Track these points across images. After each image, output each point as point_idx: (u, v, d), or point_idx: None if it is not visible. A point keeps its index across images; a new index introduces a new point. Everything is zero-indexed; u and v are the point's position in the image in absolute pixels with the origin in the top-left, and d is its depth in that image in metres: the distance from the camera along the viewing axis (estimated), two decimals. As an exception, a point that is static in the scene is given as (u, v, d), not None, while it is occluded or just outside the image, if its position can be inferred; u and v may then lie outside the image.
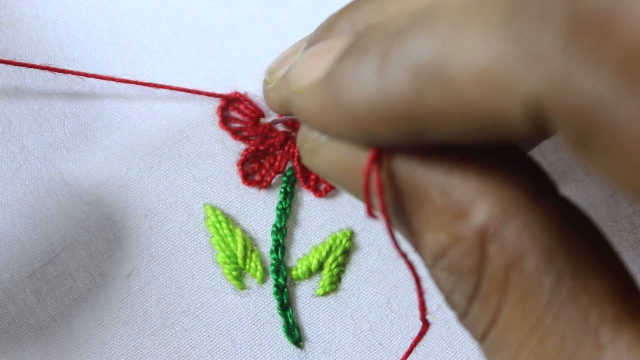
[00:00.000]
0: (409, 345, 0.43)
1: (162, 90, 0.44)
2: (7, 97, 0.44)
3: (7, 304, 0.42)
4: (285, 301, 0.43)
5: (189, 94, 0.44)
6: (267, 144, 0.44)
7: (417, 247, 0.25)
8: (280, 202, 0.44)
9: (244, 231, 0.44)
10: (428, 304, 0.43)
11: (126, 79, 0.43)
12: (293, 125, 0.44)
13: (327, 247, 0.43)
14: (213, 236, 0.43)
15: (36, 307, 0.42)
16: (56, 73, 0.43)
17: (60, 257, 0.43)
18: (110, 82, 0.44)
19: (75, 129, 0.44)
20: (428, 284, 0.28)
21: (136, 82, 0.44)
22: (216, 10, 0.45)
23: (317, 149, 0.26)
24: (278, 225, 0.43)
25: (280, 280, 0.43)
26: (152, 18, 0.45)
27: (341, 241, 0.44)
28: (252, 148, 0.44)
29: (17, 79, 0.44)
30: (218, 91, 0.44)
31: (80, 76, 0.43)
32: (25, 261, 0.43)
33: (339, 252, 0.43)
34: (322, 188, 0.44)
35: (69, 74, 0.43)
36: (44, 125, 0.44)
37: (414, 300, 0.44)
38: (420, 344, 0.43)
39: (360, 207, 0.44)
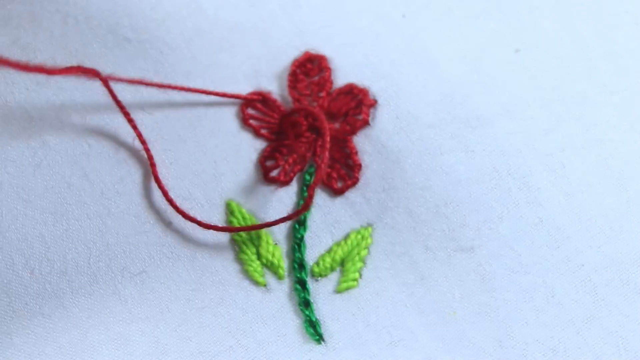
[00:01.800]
0: (429, 341, 0.43)
1: (185, 86, 0.44)
2: (27, 92, 0.44)
3: (27, 299, 0.42)
4: (307, 297, 0.43)
5: (214, 88, 0.44)
6: (289, 141, 0.44)
7: None
8: (302, 199, 0.43)
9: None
10: (449, 300, 0.43)
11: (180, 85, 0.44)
12: (313, 121, 0.44)
13: (349, 243, 0.43)
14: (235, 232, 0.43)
15: (54, 302, 0.42)
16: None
17: (81, 253, 0.43)
18: (132, 78, 0.44)
19: (97, 124, 0.44)
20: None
21: (179, 88, 0.43)
22: (237, 7, 0.45)
23: None
24: (299, 222, 0.43)
25: (303, 276, 0.43)
26: (174, 14, 0.45)
27: (363, 237, 0.43)
28: (274, 145, 0.44)
29: (38, 74, 0.44)
30: (240, 88, 0.44)
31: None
32: (47, 257, 0.43)
33: (361, 247, 0.43)
34: (342, 185, 0.44)
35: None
36: (65, 120, 0.44)
37: (435, 295, 0.43)
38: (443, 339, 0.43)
39: (380, 203, 0.44)
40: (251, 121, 0.44)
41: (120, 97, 0.44)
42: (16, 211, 0.43)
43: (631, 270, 0.44)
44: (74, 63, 0.44)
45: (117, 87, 0.44)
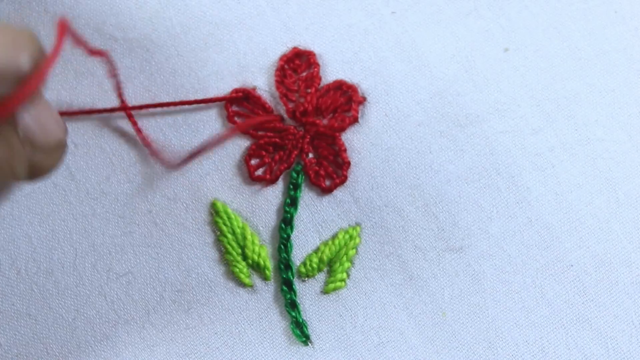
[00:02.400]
0: (418, 342, 0.43)
1: (171, 85, 0.44)
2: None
3: (14, 300, 0.42)
4: (293, 298, 0.42)
5: (197, 87, 0.43)
6: (275, 138, 0.44)
7: None
8: (288, 198, 0.43)
9: (251, 227, 0.43)
10: (438, 300, 0.43)
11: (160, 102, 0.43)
12: (302, 119, 0.44)
13: (336, 243, 0.43)
14: (220, 232, 0.43)
15: (41, 303, 0.42)
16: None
17: (67, 253, 0.43)
18: (119, 77, 0.44)
19: (82, 124, 0.44)
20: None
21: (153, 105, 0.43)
22: (224, 3, 0.45)
23: None
24: (286, 221, 0.43)
25: (289, 276, 0.43)
26: (160, 11, 0.45)
27: (351, 236, 0.43)
28: (261, 142, 0.43)
29: (25, 74, 0.44)
30: (226, 85, 0.44)
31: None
32: (33, 257, 0.43)
33: (349, 247, 0.43)
34: (330, 184, 0.43)
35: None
36: (52, 120, 0.44)
37: (425, 296, 0.43)
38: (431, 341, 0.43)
39: (368, 202, 0.43)
40: (235, 118, 0.44)
41: (106, 97, 0.43)
42: (3, 211, 0.43)
43: (620, 271, 0.43)
44: (61, 62, 0.44)
45: (104, 85, 0.43)
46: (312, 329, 0.43)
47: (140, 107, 0.43)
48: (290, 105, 0.44)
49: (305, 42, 0.45)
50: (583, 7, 0.46)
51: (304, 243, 0.43)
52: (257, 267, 0.43)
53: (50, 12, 0.45)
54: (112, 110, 0.43)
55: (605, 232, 0.44)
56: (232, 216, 0.43)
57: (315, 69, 0.44)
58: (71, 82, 0.44)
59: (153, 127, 0.44)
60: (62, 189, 0.43)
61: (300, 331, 0.42)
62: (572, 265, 0.43)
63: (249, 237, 0.43)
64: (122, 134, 0.44)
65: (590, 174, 0.44)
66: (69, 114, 0.43)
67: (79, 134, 0.44)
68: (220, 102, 0.44)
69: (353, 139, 0.44)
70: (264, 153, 0.44)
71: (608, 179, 0.44)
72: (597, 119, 0.45)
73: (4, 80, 0.28)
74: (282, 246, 0.43)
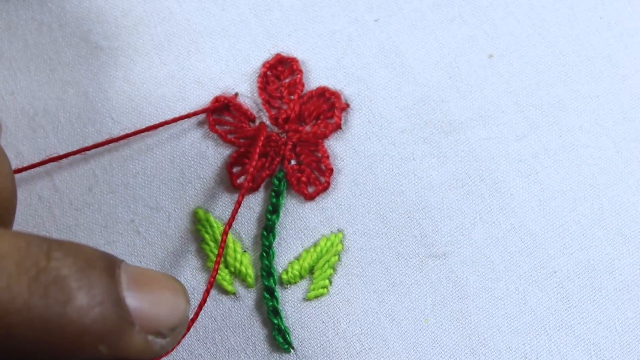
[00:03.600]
0: (401, 349, 0.43)
1: (154, 94, 0.44)
2: (2, 102, 0.45)
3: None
4: (276, 305, 0.43)
5: (179, 96, 0.44)
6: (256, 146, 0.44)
7: None
8: (270, 205, 0.43)
9: (233, 235, 0.44)
10: (421, 307, 0.43)
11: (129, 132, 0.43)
12: (284, 126, 0.44)
13: (318, 250, 0.43)
14: (202, 240, 0.43)
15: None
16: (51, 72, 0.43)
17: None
18: (104, 86, 0.44)
19: (69, 134, 0.44)
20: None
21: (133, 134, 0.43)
22: (208, 11, 0.45)
23: None
24: (268, 229, 0.43)
25: (271, 283, 0.43)
26: (145, 19, 0.45)
27: (332, 243, 0.43)
28: (242, 150, 0.44)
29: (12, 83, 0.44)
30: (208, 92, 0.44)
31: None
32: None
33: (330, 254, 0.43)
34: (312, 191, 0.44)
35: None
36: (38, 131, 0.44)
37: (407, 303, 0.43)
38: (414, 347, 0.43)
39: (351, 209, 0.44)
40: (217, 127, 0.44)
41: (91, 107, 0.44)
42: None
43: (604, 278, 0.43)
44: (48, 71, 0.45)
45: (89, 94, 0.44)
46: (295, 336, 0.43)
47: (126, 137, 0.43)
48: (273, 112, 0.44)
49: (288, 49, 0.45)
50: (568, 13, 0.46)
51: (286, 250, 0.44)
52: (239, 275, 0.43)
53: (37, 19, 0.45)
54: (98, 145, 0.43)
55: (589, 239, 0.44)
56: (214, 224, 0.43)
57: (298, 76, 0.44)
58: (57, 92, 0.44)
59: (136, 139, 0.44)
60: (47, 201, 0.44)
61: (283, 338, 0.43)
62: (555, 272, 0.43)
63: (231, 244, 0.43)
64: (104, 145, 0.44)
65: (575, 180, 0.44)
66: (59, 158, 0.43)
67: (64, 144, 0.44)
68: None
69: (336, 146, 0.44)
70: (245, 161, 0.44)
71: (592, 185, 0.44)
72: (581, 125, 0.44)
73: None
74: (264, 254, 0.43)
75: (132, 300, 0.27)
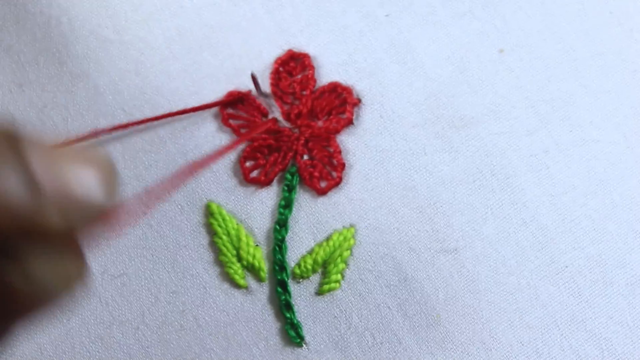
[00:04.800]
0: (413, 344, 0.43)
1: (166, 87, 0.44)
2: (10, 94, 0.44)
3: None
4: (288, 299, 0.43)
5: (192, 90, 0.43)
6: (270, 140, 0.44)
7: None
8: (283, 200, 0.43)
9: (245, 229, 0.43)
10: (433, 302, 0.43)
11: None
12: (297, 121, 0.44)
13: (330, 244, 0.43)
14: (215, 234, 0.43)
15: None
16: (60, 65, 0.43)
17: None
18: (115, 79, 0.44)
19: (79, 126, 0.44)
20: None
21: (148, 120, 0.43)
22: (219, 6, 0.45)
23: None
24: (281, 223, 0.43)
25: (284, 277, 0.43)
26: (156, 14, 0.45)
27: (345, 238, 0.43)
28: (255, 144, 0.43)
29: (20, 76, 0.44)
30: (221, 87, 0.44)
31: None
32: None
33: (343, 249, 0.43)
34: (325, 185, 0.44)
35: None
36: (47, 122, 0.44)
37: (419, 297, 0.43)
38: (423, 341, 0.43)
39: (363, 204, 0.44)
40: (230, 121, 0.44)
41: (101, 99, 0.43)
42: None
43: (615, 272, 0.43)
44: (57, 64, 0.44)
45: (99, 88, 0.44)
46: (307, 330, 0.43)
47: (140, 123, 0.43)
48: (285, 107, 0.44)
49: (300, 45, 0.45)
50: (578, 8, 0.46)
51: (299, 244, 0.44)
52: (251, 269, 0.43)
53: (45, 13, 0.45)
54: (113, 129, 0.43)
55: (600, 234, 0.44)
56: (227, 218, 0.43)
57: (310, 71, 0.44)
58: (67, 85, 0.44)
59: (147, 128, 0.44)
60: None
61: (295, 332, 0.42)
62: (566, 267, 0.43)
63: (243, 238, 0.43)
64: (116, 136, 0.44)
65: (585, 175, 0.44)
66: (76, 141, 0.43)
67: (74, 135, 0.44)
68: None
69: (348, 141, 0.44)
70: (258, 155, 0.44)
71: (603, 180, 0.44)
72: (592, 120, 0.45)
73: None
74: (277, 248, 0.43)
75: (44, 175, 0.25)
